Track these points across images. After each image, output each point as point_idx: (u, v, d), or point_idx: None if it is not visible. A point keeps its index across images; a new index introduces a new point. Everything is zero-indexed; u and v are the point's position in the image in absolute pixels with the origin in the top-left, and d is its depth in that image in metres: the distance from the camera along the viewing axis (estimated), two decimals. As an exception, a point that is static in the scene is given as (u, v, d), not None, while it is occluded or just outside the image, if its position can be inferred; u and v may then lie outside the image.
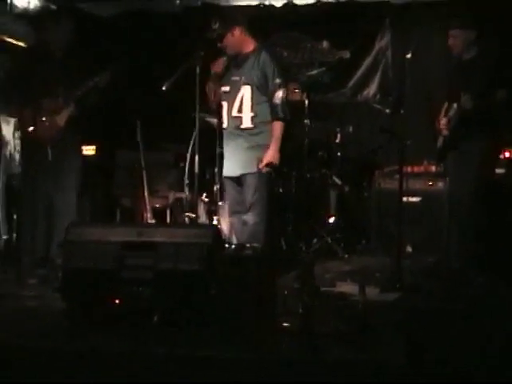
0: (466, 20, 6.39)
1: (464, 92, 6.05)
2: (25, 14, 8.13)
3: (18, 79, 6.43)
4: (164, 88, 6.04)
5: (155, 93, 6.27)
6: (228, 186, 6.29)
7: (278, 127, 6.06)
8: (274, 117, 6.07)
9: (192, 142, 6.76)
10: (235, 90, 6.13)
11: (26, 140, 6.63)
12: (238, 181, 6.17)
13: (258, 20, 6.82)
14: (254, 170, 6.03)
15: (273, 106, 6.06)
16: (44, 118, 6.38)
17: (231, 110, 6.14)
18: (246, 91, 6.09)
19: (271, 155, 6.02)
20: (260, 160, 6.00)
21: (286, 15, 8.82)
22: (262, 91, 6.08)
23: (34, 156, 6.47)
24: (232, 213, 6.31)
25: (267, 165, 5.99)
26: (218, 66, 6.17)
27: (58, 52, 6.55)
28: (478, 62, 6.25)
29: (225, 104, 6.19)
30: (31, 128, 6.35)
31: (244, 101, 6.09)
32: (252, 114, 6.08)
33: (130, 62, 6.96)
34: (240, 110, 6.11)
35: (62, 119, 6.43)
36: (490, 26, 7.15)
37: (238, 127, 6.11)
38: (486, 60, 6.22)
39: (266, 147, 6.06)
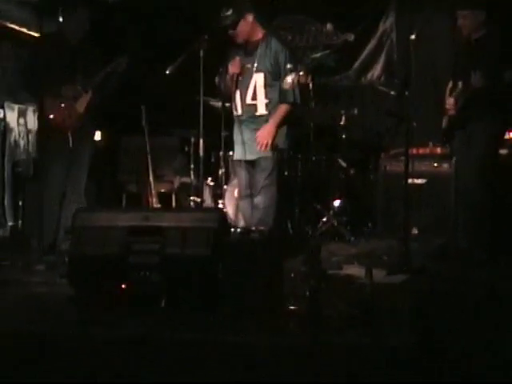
0: (472, 2, 6.35)
1: (474, 71, 6.03)
2: (27, 0, 8.12)
3: (36, 67, 6.44)
4: (168, 72, 6.03)
5: (159, 77, 6.26)
6: (240, 168, 6.31)
7: (282, 108, 6.13)
8: (282, 101, 6.12)
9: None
10: (248, 77, 6.16)
11: (45, 127, 6.62)
12: (252, 163, 6.21)
13: (263, 3, 6.79)
14: (269, 153, 6.06)
15: (281, 91, 6.10)
16: (63, 105, 6.40)
17: (245, 97, 6.17)
18: (259, 78, 6.14)
19: (264, 132, 6.07)
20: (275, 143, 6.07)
21: (290, -2, 8.80)
22: (275, 77, 6.12)
23: (53, 143, 6.47)
24: (242, 196, 6.32)
25: (275, 149, 6.02)
26: (236, 66, 6.16)
27: (73, 41, 6.55)
28: (486, 41, 6.22)
29: (237, 91, 6.20)
30: (52, 116, 6.37)
31: (257, 88, 6.15)
32: (266, 101, 6.14)
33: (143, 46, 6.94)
34: (254, 98, 6.16)
35: (81, 106, 6.46)
36: (499, 7, 7.12)
37: (253, 114, 6.14)
38: (494, 40, 6.20)
39: (281, 131, 6.14)
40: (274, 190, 6.13)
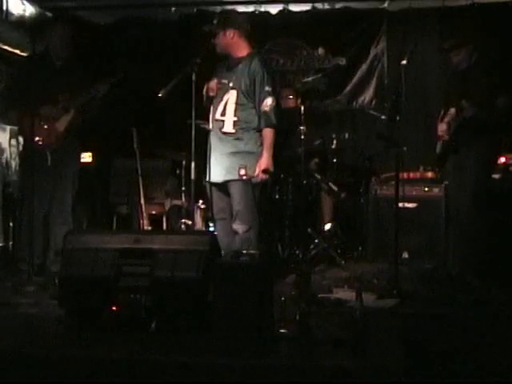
0: (461, 38, 6.40)
1: (465, 100, 6.08)
2: (20, 22, 8.15)
3: (19, 87, 6.48)
4: (160, 95, 6.03)
5: (152, 100, 6.27)
6: (212, 192, 6.23)
7: (269, 134, 6.00)
8: (265, 124, 6.00)
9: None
10: (222, 93, 6.10)
11: (26, 146, 6.67)
12: (222, 187, 6.13)
13: (254, 27, 6.86)
14: (237, 176, 5.97)
15: (262, 114, 6.00)
16: (45, 126, 6.43)
17: (215, 112, 6.12)
18: (231, 95, 6.06)
19: (265, 162, 5.97)
20: (242, 167, 5.94)
21: (281, 22, 8.85)
22: (247, 97, 6.04)
23: (33, 162, 6.50)
24: (216, 219, 6.26)
25: (264, 171, 5.97)
26: (212, 90, 6.11)
27: (58, 61, 6.61)
28: (476, 68, 6.27)
29: (211, 106, 6.18)
30: (37, 139, 6.40)
31: (228, 105, 6.06)
32: (235, 119, 6.03)
33: (128, 71, 6.96)
34: (223, 114, 6.07)
35: (61, 126, 6.51)
36: (486, 33, 7.21)
37: (220, 131, 6.07)
38: (484, 66, 6.25)
39: (249, 154, 6.03)
40: (250, 214, 6.01)
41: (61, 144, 6.54)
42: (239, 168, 5.96)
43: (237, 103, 6.04)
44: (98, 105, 6.67)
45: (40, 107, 6.46)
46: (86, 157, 7.87)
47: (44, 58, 6.69)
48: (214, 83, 6.12)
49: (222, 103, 6.08)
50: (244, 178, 5.94)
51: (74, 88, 6.56)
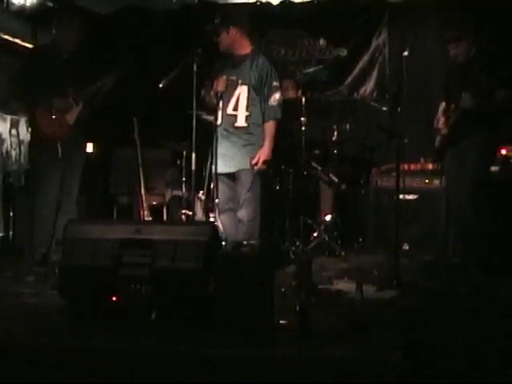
0: (462, 31, 6.40)
1: (464, 91, 6.08)
2: (22, 12, 8.13)
3: (27, 79, 6.46)
4: (161, 85, 6.05)
5: (153, 90, 6.27)
6: (220, 182, 6.29)
7: (272, 126, 6.21)
8: (272, 117, 6.20)
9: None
10: (231, 88, 6.20)
11: (35, 138, 6.66)
12: (232, 177, 6.25)
13: (255, 17, 6.85)
14: (248, 166, 6.14)
15: (269, 107, 6.19)
16: (54, 117, 6.44)
17: (226, 107, 6.20)
18: (243, 91, 6.21)
19: (266, 153, 6.15)
20: (253, 158, 6.12)
21: (283, 13, 8.85)
22: (257, 93, 6.20)
23: (45, 154, 6.50)
24: (223, 210, 6.31)
25: (263, 162, 6.08)
26: (222, 85, 6.20)
27: (65, 53, 6.60)
28: (476, 61, 6.27)
29: (220, 102, 6.22)
30: (44, 126, 6.42)
31: (240, 100, 6.21)
32: (247, 114, 6.20)
33: (131, 61, 6.97)
34: (235, 109, 6.21)
35: (71, 118, 6.53)
36: (486, 26, 7.21)
37: (232, 125, 6.18)
38: (484, 59, 6.24)
39: (259, 147, 6.19)
40: (257, 203, 6.20)
41: (70, 136, 6.54)
42: (251, 159, 6.16)
43: (248, 98, 6.20)
44: (103, 97, 6.67)
45: (50, 99, 6.46)
46: (87, 147, 7.87)
47: (51, 50, 6.67)
48: (223, 79, 6.17)
49: (234, 98, 6.22)
50: (258, 168, 6.14)
51: (82, 80, 6.56)
